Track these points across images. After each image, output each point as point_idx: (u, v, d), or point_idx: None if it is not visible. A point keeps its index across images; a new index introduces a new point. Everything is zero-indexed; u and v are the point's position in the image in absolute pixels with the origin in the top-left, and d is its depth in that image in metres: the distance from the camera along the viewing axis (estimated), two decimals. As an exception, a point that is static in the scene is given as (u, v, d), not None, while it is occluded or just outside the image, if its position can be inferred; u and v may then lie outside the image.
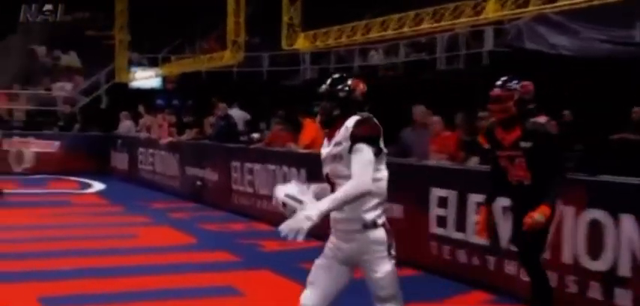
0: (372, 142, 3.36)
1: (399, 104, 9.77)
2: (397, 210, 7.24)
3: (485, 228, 4.77)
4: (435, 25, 13.00)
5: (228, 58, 16.51)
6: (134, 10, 19.84)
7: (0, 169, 15.78)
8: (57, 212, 10.94)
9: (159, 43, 21.26)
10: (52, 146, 17.12)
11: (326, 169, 3.50)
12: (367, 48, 15.96)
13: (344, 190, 3.29)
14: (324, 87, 3.56)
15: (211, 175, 11.87)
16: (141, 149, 15.21)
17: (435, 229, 6.86)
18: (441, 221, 6.79)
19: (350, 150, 3.35)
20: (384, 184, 3.44)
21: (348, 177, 3.34)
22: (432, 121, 8.28)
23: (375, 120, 3.43)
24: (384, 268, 3.47)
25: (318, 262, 3.60)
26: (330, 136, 3.51)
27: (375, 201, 3.41)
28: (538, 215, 4.33)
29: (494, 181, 4.81)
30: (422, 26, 13.25)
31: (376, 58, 16.00)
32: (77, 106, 19.48)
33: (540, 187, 4.43)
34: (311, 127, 10.03)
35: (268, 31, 17.72)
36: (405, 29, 13.45)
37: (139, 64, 21.05)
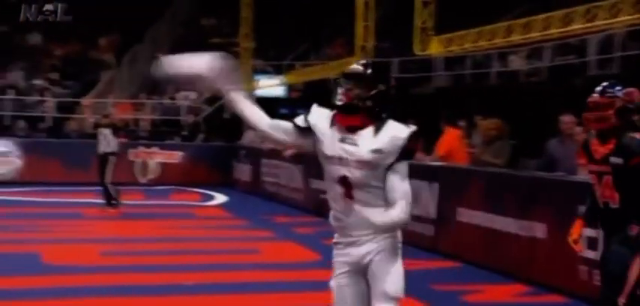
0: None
1: (543, 113, 9.46)
2: (540, 229, 7.01)
3: (579, 240, 4.58)
4: (588, 25, 12.47)
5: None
6: (259, 16, 20.44)
7: (125, 180, 16.73)
8: (180, 225, 11.43)
9: (283, 50, 21.77)
10: (175, 157, 17.95)
11: (346, 172, 3.24)
12: (507, 52, 15.57)
13: (403, 211, 3.22)
14: (360, 68, 3.35)
15: (337, 189, 11.96)
16: (264, 161, 15.60)
17: (585, 252, 6.56)
18: (592, 243, 6.48)
19: (391, 166, 3.21)
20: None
21: (376, 189, 3.22)
22: (579, 132, 7.96)
23: None
24: (398, 263, 3.33)
25: (339, 282, 3.39)
26: (344, 124, 3.27)
27: (383, 209, 3.28)
28: None
29: (591, 201, 4.49)
30: (571, 27, 12.75)
31: (517, 62, 15.55)
32: (201, 116, 20.30)
33: (630, 213, 4.14)
34: (451, 136, 9.92)
35: (399, 36, 17.68)
36: (552, 30, 12.99)
37: (264, 72, 21.65)
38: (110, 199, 12.48)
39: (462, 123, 10.80)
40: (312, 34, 22.01)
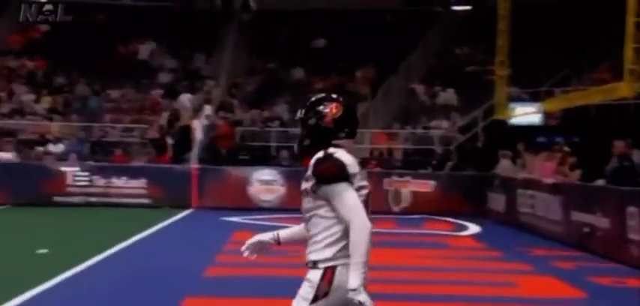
0: (342, 179, 3.28)
1: None
2: None
3: None
4: None
5: (623, 90, 15.33)
6: (515, 43, 19.79)
7: (379, 209, 17.01)
8: (433, 254, 11.27)
9: (541, 76, 20.86)
10: (428, 186, 17.90)
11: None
12: None
13: (352, 243, 3.24)
14: (298, 113, 3.53)
15: (602, 222, 11.06)
16: (519, 190, 14.96)
17: None
18: None
19: (314, 188, 3.34)
20: (339, 225, 3.33)
21: (314, 216, 3.37)
22: None
23: (339, 155, 3.33)
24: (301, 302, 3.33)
25: None
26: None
27: (324, 241, 3.34)
28: None
29: None
30: None
31: None
32: (453, 145, 20.08)
33: None
34: None
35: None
36: None
37: (519, 100, 20.88)
38: None
39: None
40: (573, 59, 20.83)
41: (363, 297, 3.19)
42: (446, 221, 15.92)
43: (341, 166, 3.33)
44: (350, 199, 3.30)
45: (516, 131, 18.93)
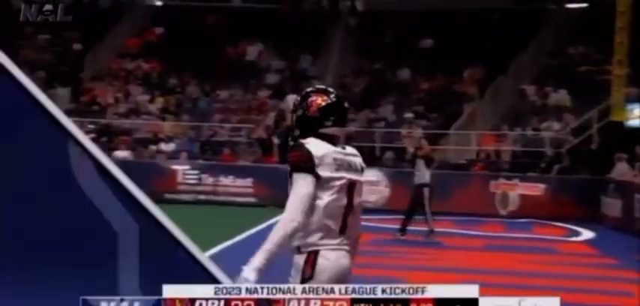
0: (305, 170, 3.34)
1: None
2: None
3: None
4: None
5: None
6: (635, 40, 18.91)
7: (486, 212, 16.64)
8: (541, 260, 10.92)
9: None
10: (537, 189, 17.35)
11: None
12: None
13: (274, 229, 3.36)
14: (291, 105, 3.69)
15: None
16: (637, 196, 14.26)
17: None
18: None
19: (289, 176, 3.43)
20: (319, 212, 3.39)
21: None
22: None
23: (311, 145, 3.38)
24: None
25: None
26: None
27: (306, 229, 3.40)
28: None
29: None
30: None
31: None
32: (564, 147, 19.40)
33: None
34: None
35: None
36: None
37: (638, 101, 19.95)
38: (405, 228, 12.38)
39: None
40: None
41: (251, 276, 3.20)
42: (556, 226, 15.38)
43: (306, 155, 3.40)
44: (298, 190, 3.40)
45: (634, 133, 18.08)
